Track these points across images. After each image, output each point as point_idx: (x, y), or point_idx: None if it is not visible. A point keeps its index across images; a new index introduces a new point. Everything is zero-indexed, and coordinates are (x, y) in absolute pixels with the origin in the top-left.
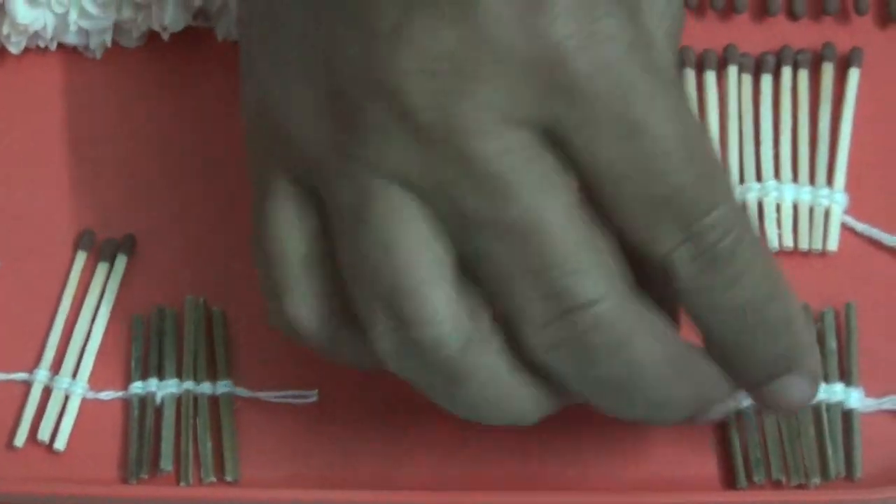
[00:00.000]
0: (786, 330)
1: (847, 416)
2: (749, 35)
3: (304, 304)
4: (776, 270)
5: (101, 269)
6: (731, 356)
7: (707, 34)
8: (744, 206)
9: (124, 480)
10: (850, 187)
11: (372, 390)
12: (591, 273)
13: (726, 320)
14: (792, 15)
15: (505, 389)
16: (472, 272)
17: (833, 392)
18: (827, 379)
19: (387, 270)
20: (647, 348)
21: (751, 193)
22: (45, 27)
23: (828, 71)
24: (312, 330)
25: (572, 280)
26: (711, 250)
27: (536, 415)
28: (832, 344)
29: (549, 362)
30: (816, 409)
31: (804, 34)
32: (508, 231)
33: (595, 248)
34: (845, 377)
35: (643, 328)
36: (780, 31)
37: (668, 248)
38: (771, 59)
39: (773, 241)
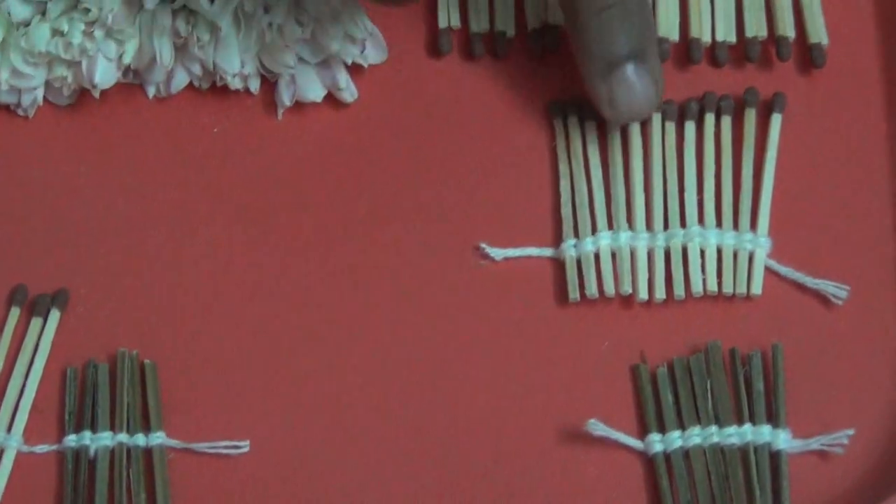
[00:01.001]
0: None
1: (775, 457)
2: (672, 82)
3: None
4: None
5: (35, 323)
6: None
7: None
8: None
9: None
10: (773, 231)
11: (304, 440)
12: None
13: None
14: (715, 62)
15: None
16: None
17: (760, 434)
18: (754, 420)
19: None
20: None
21: (675, 239)
22: None
23: (750, 116)
24: None
25: None
26: None
27: None
28: (759, 386)
29: None
30: (744, 451)
31: (727, 81)
32: None
33: None
34: (773, 419)
35: None
36: (704, 78)
37: None
38: (694, 106)
39: (698, 287)
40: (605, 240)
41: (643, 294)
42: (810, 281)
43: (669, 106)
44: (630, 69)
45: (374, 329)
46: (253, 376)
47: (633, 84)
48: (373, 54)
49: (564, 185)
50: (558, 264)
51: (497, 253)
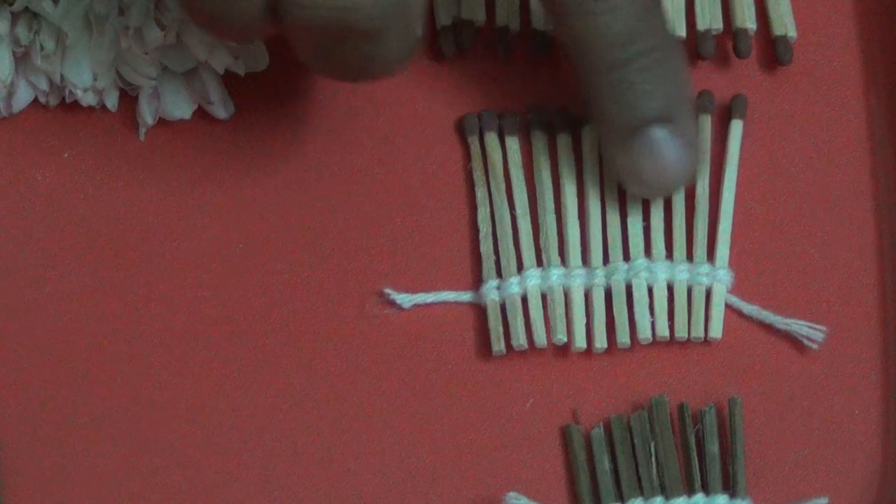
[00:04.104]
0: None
1: None
2: None
3: None
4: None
5: None
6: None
7: (560, 91)
8: None
9: None
10: (734, 263)
11: None
12: None
13: None
14: None
15: None
16: None
17: None
18: (708, 490)
19: None
20: None
21: (617, 276)
22: None
23: (705, 124)
24: None
25: None
26: None
27: None
28: (714, 449)
29: None
30: None
31: None
32: None
33: None
34: (730, 487)
35: None
36: None
37: None
38: None
39: (646, 332)
40: (533, 279)
41: (580, 343)
42: (779, 321)
43: None
44: (657, 133)
45: (258, 390)
46: (110, 447)
47: (662, 151)
48: (250, 61)
49: (483, 214)
50: (479, 310)
51: (404, 299)
